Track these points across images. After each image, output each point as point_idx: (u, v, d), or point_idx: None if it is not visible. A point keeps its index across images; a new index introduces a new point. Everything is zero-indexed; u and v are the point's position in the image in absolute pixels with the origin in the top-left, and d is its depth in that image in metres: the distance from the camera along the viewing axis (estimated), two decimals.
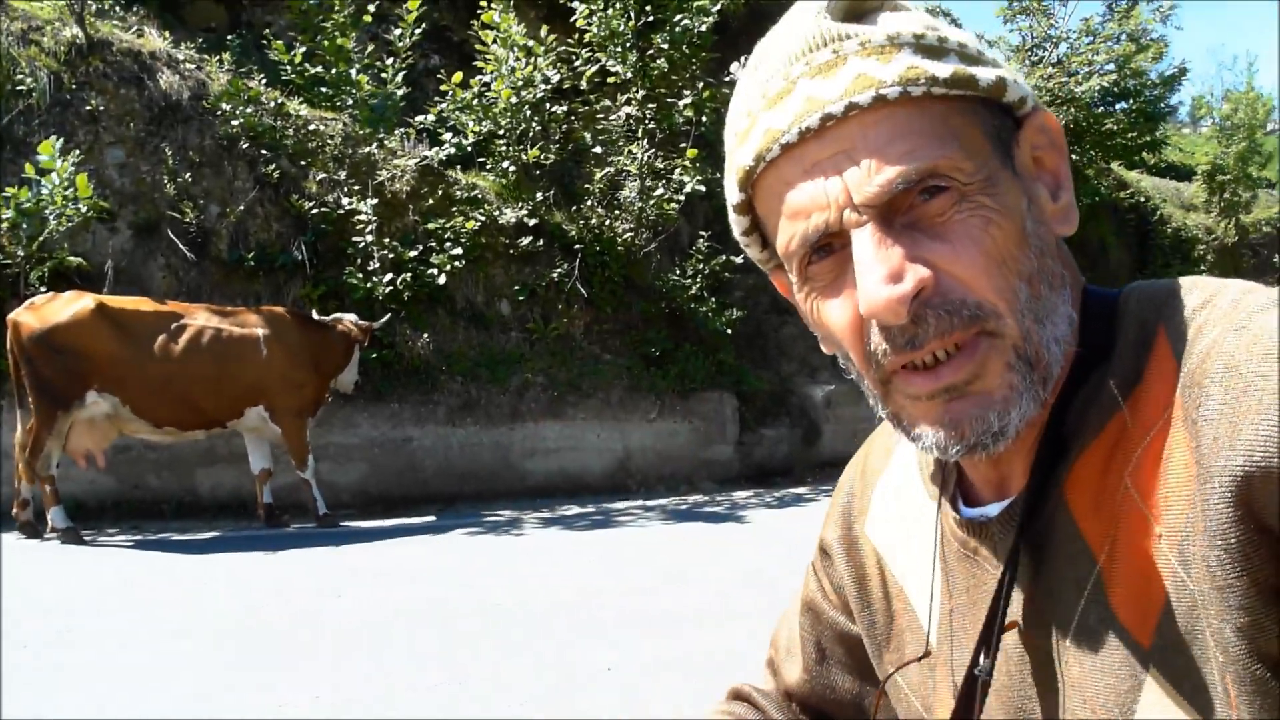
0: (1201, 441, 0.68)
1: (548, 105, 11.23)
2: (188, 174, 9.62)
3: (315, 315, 8.30)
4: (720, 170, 0.90)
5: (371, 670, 3.68)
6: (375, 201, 9.92)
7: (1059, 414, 0.80)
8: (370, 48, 11.06)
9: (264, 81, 10.35)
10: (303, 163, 10.12)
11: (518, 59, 10.85)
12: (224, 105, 9.72)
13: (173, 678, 3.61)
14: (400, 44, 10.91)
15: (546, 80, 10.99)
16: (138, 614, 4.68)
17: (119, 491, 8.36)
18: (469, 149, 11.14)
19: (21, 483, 7.15)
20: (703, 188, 11.15)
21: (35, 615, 4.61)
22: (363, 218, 9.74)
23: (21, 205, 8.04)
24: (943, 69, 0.76)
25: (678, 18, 11.10)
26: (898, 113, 0.76)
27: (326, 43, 10.52)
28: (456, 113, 11.04)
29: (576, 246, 11.02)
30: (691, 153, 11.24)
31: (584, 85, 11.65)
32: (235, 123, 9.77)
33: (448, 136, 11.05)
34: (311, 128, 10.29)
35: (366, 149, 10.38)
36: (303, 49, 10.59)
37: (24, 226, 8.19)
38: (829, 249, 0.79)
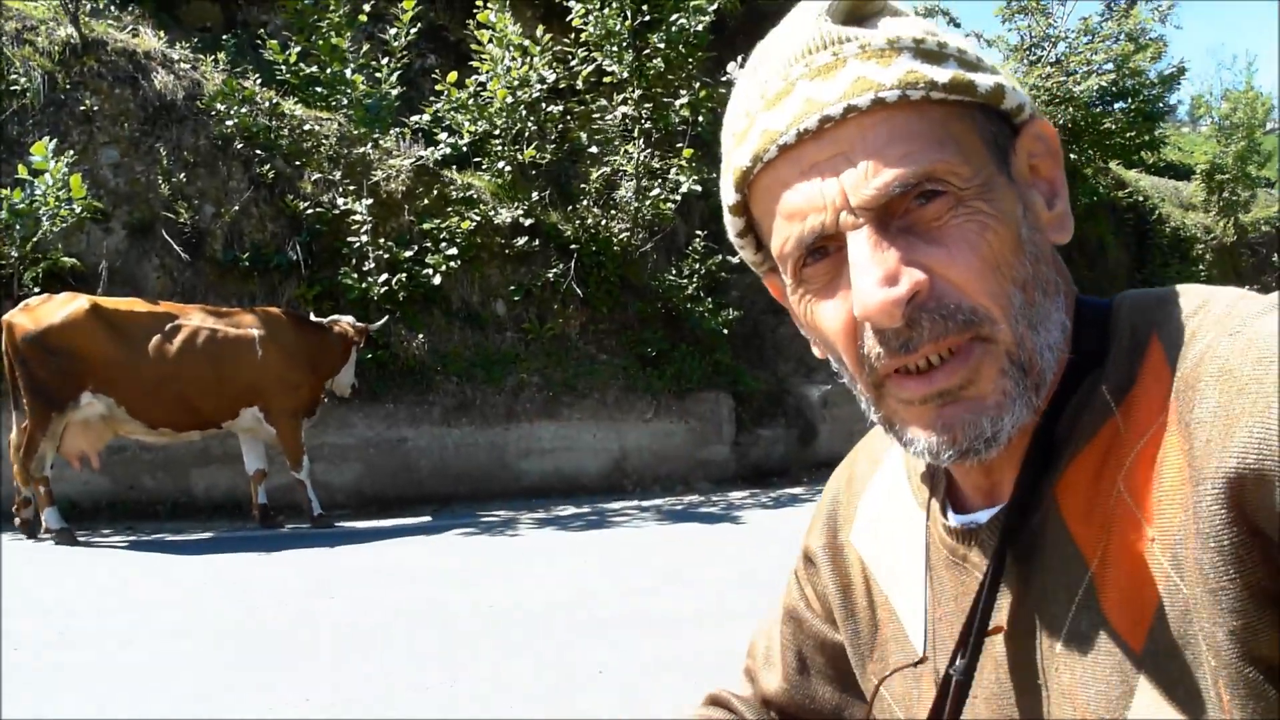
0: (1195, 444, 0.67)
1: (543, 105, 11.22)
2: (182, 174, 9.61)
3: (313, 317, 8.30)
4: (716, 170, 0.89)
5: (367, 671, 3.67)
6: (370, 202, 9.90)
7: (1051, 420, 0.80)
8: (365, 47, 11.05)
9: (259, 81, 10.33)
10: (298, 163, 10.11)
11: (513, 59, 10.84)
12: (218, 105, 9.71)
13: (169, 678, 3.60)
14: (395, 44, 10.90)
15: (542, 80, 10.98)
16: (133, 615, 4.68)
17: (114, 492, 8.34)
18: (464, 149, 11.13)
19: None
20: (699, 188, 11.14)
21: (32, 616, 4.60)
22: (358, 218, 9.73)
23: (15, 206, 8.03)
24: (942, 74, 0.76)
25: (674, 17, 11.09)
26: (896, 116, 0.75)
27: (321, 42, 10.52)
28: (452, 112, 11.04)
29: (572, 246, 11.01)
30: (688, 152, 11.22)
31: (580, 85, 11.64)
32: (230, 123, 9.76)
33: (443, 136, 11.05)
34: (306, 128, 10.27)
35: (361, 149, 10.37)
36: (297, 49, 10.58)
37: (18, 227, 8.17)
38: (824, 251, 0.79)
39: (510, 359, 10.27)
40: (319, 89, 10.71)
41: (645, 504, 9.00)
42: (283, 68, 10.55)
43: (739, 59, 0.88)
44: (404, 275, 9.84)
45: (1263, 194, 23.43)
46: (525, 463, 9.88)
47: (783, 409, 11.73)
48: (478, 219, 10.53)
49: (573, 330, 10.87)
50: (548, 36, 11.08)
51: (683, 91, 11.48)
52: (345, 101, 10.56)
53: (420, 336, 9.87)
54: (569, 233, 11.14)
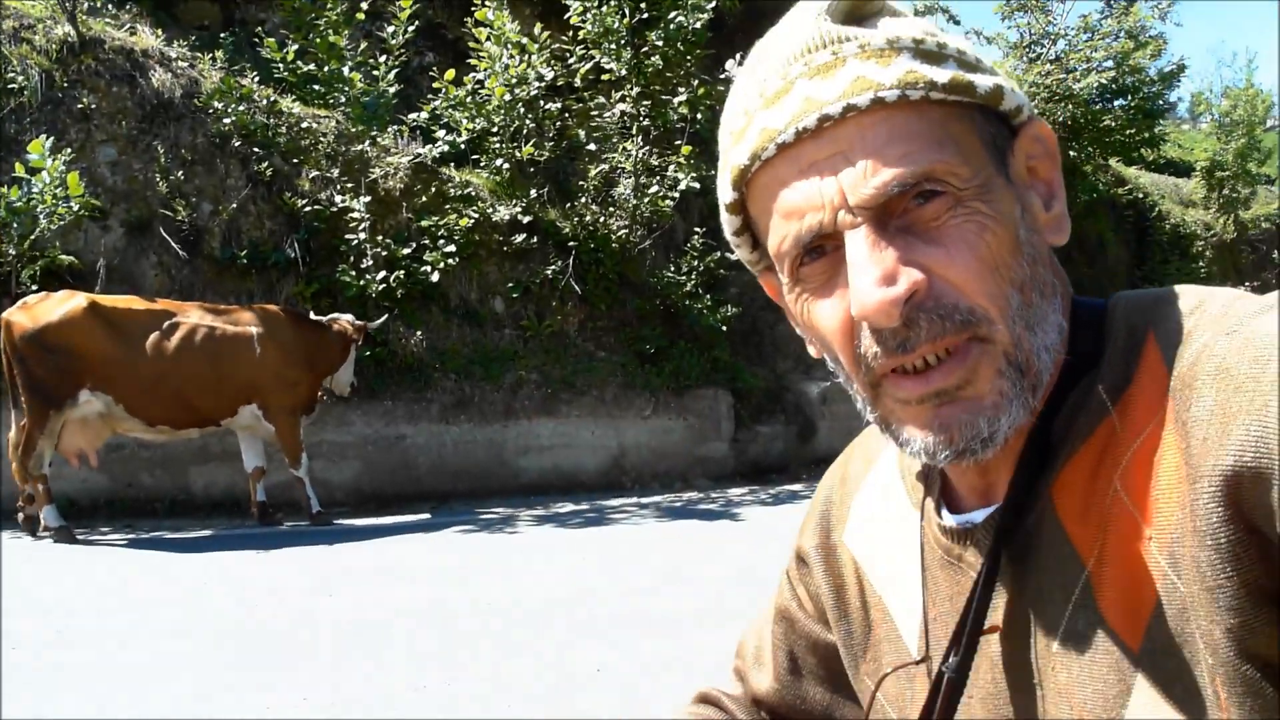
0: (1192, 443, 0.68)
1: (542, 102, 11.21)
2: (180, 172, 9.60)
3: (312, 315, 8.29)
4: (715, 167, 0.89)
5: (365, 670, 3.66)
6: (368, 199, 9.89)
7: (1047, 420, 0.80)
8: (363, 45, 11.04)
9: (256, 79, 10.32)
10: (295, 160, 10.10)
11: (511, 56, 10.82)
12: (216, 103, 9.70)
13: (168, 678, 3.60)
14: (393, 41, 10.89)
15: (540, 77, 10.97)
16: (131, 614, 4.67)
17: (112, 490, 8.34)
18: (463, 146, 11.12)
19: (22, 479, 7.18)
20: (697, 185, 11.13)
21: (31, 615, 4.60)
22: (356, 215, 9.72)
23: (12, 204, 8.02)
24: (941, 74, 0.76)
25: (672, 15, 11.07)
26: (895, 116, 0.75)
27: (319, 40, 10.51)
28: (450, 110, 11.03)
29: (571, 244, 11.00)
30: (686, 150, 11.21)
31: (578, 82, 11.63)
32: (227, 121, 9.75)
33: (441, 134, 11.04)
34: (304, 125, 10.26)
35: (359, 147, 10.36)
36: (295, 46, 10.56)
37: (15, 225, 8.16)
38: (821, 251, 0.79)
39: (509, 356, 10.27)
40: (317, 87, 10.70)
41: (644, 501, 9.00)
42: (280, 66, 10.54)
43: (738, 56, 0.88)
44: (402, 273, 9.83)
45: (1263, 191, 23.44)
46: (524, 460, 9.88)
47: (781, 406, 11.72)
48: (476, 216, 10.53)
49: (571, 327, 10.86)
50: (546, 34, 11.06)
51: (681, 89, 11.47)
52: (343, 99, 10.55)
53: (418, 334, 9.86)
54: (567, 230, 11.13)
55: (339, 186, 10.01)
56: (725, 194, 0.85)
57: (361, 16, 10.92)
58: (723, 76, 0.92)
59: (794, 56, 0.79)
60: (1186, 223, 21.33)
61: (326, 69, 10.60)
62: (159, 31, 10.57)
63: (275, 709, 3.22)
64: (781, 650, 1.12)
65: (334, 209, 9.86)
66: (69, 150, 8.67)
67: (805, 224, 0.77)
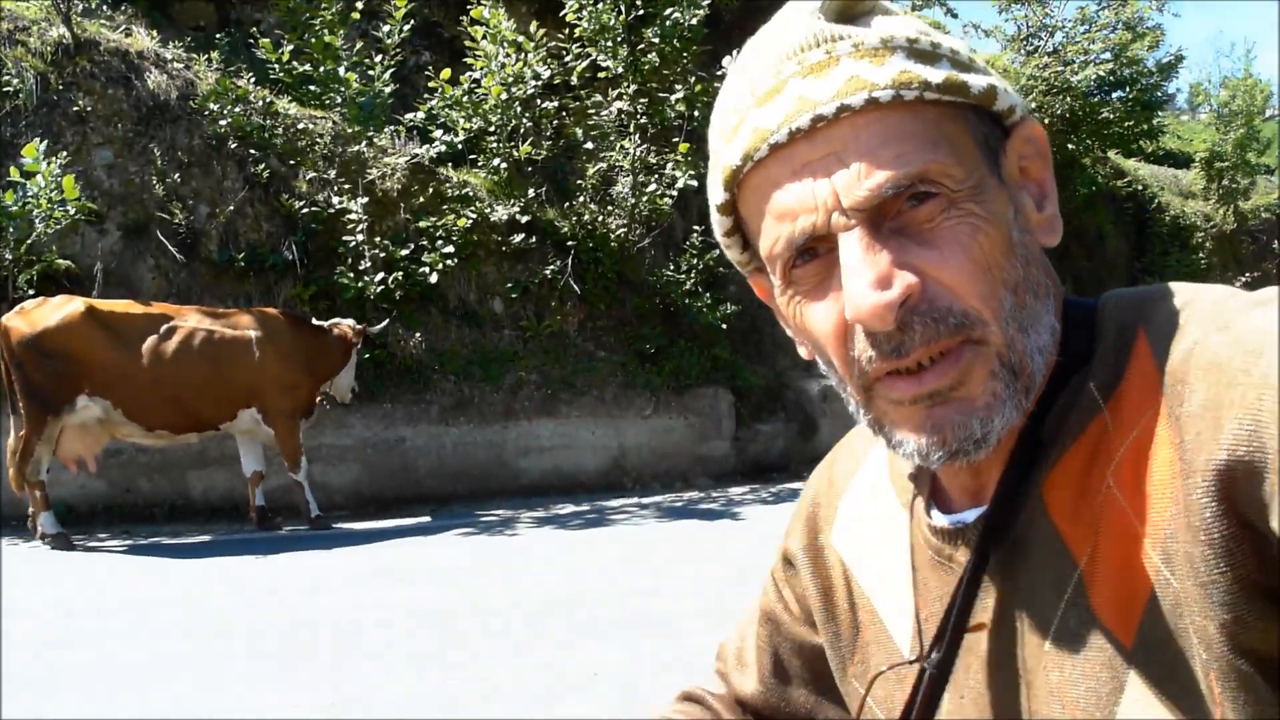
0: (1185, 438, 0.68)
1: (538, 101, 11.18)
2: (176, 174, 9.58)
3: (314, 321, 8.28)
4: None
5: (365, 674, 3.66)
6: (366, 200, 9.87)
7: (1038, 419, 0.80)
8: (359, 45, 11.01)
9: (252, 80, 10.29)
10: (292, 162, 10.07)
11: (508, 55, 10.79)
12: (212, 105, 9.67)
13: (166, 682, 3.60)
14: (389, 41, 10.85)
15: (537, 76, 10.94)
16: (130, 619, 4.67)
17: (110, 495, 8.32)
18: (460, 146, 11.09)
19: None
20: (695, 182, 11.10)
21: (27, 622, 4.58)
22: (353, 217, 9.69)
23: (8, 208, 7.99)
24: (935, 74, 0.76)
25: (668, 11, 11.04)
26: (889, 116, 0.75)
27: (314, 40, 10.47)
28: (447, 110, 11.00)
29: (569, 243, 10.98)
30: (684, 147, 11.18)
31: (575, 81, 11.60)
32: (224, 122, 9.72)
33: (438, 134, 11.01)
34: (301, 126, 10.23)
35: (356, 147, 10.33)
36: (290, 47, 10.53)
37: (11, 230, 8.14)
38: (813, 253, 0.78)
39: (508, 357, 10.25)
40: (313, 87, 10.67)
41: (645, 501, 8.99)
42: (276, 66, 10.51)
43: (734, 53, 0.86)
44: (400, 274, 9.81)
45: (1262, 181, 23.42)
46: (524, 461, 9.86)
47: (782, 404, 11.71)
48: (474, 217, 10.50)
49: (571, 327, 10.85)
50: (542, 32, 11.03)
51: (678, 86, 11.44)
52: (339, 100, 10.51)
53: (417, 335, 9.84)
54: (566, 229, 11.10)
55: (336, 188, 9.99)
56: (716, 195, 0.84)
57: (357, 16, 10.88)
58: (720, 73, 0.90)
59: (787, 55, 0.78)
60: (1186, 214, 21.30)
61: (322, 69, 10.57)
62: (154, 33, 10.54)
63: (274, 711, 3.23)
64: (766, 652, 1.11)
65: (331, 210, 9.83)
66: (65, 153, 8.64)
67: (798, 226, 0.77)
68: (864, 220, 0.74)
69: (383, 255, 9.83)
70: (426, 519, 8.30)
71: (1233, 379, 0.65)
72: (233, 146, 9.84)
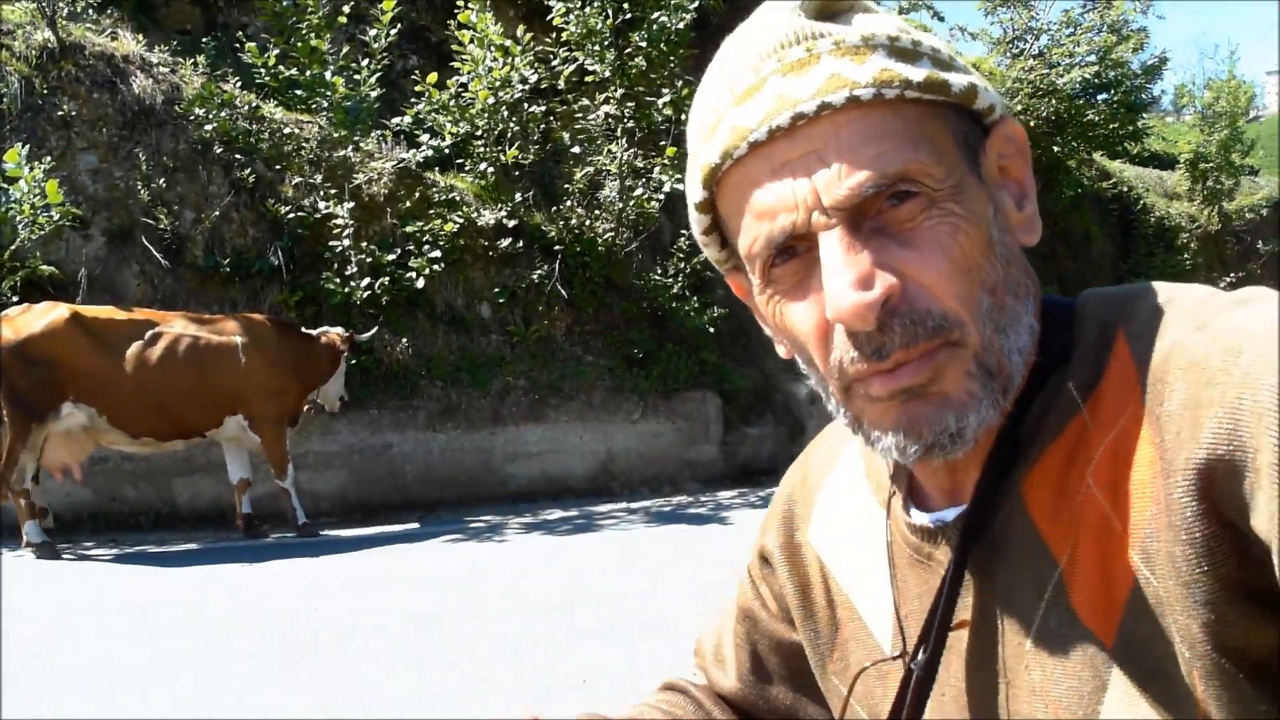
0: (1165, 437, 0.68)
1: (525, 105, 11.16)
2: (162, 179, 9.53)
3: (303, 329, 8.26)
4: None
5: (352, 682, 3.65)
6: (352, 205, 9.83)
7: (1017, 420, 0.80)
8: (346, 49, 10.97)
9: (239, 85, 10.24)
10: (278, 167, 10.04)
11: (495, 59, 10.77)
12: (197, 109, 9.62)
13: (154, 692, 3.58)
14: (376, 45, 10.82)
15: (524, 80, 10.92)
16: (116, 631, 4.64)
17: (96, 504, 8.28)
18: (446, 150, 11.06)
19: (33, 491, 7.16)
20: (682, 186, 11.06)
21: (16, 631, 4.56)
22: (340, 222, 9.66)
23: None
24: (916, 73, 0.75)
25: (655, 15, 11.04)
26: (870, 115, 0.74)
27: (300, 45, 10.43)
28: (433, 114, 10.97)
29: (557, 247, 10.97)
30: (671, 151, 11.18)
31: (562, 85, 11.58)
32: (209, 127, 9.67)
33: (425, 138, 10.98)
34: (287, 131, 10.19)
35: (342, 152, 10.29)
36: (276, 51, 10.49)
37: None
38: (793, 251, 0.78)
39: (495, 362, 10.23)
40: (299, 92, 10.63)
41: (633, 506, 8.99)
42: (262, 70, 10.47)
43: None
44: (387, 279, 9.79)
45: (1246, 182, 23.57)
46: (512, 466, 9.85)
47: (770, 406, 11.73)
48: (461, 221, 10.48)
49: (558, 332, 10.83)
50: (529, 36, 11.01)
51: (665, 90, 11.43)
52: (325, 104, 10.48)
53: (404, 341, 9.82)
54: (553, 234, 11.09)
55: (322, 193, 9.96)
56: (695, 193, 0.84)
57: (343, 20, 10.84)
58: None
59: (767, 52, 0.78)
60: (1171, 215, 21.43)
61: (308, 73, 10.53)
62: (140, 36, 10.48)
63: (272, 712, 3.24)
64: (744, 650, 1.12)
65: (318, 215, 9.80)
66: (49, 158, 8.59)
67: (778, 225, 0.76)
68: (844, 219, 0.74)
69: (369, 260, 9.80)
70: (414, 525, 8.28)
71: (1212, 378, 0.65)
72: (218, 151, 9.80)
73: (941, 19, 17.50)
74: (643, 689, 3.51)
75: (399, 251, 10.08)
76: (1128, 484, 0.71)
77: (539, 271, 10.78)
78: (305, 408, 8.20)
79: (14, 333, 6.95)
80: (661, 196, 11.26)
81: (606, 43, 11.11)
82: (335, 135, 10.32)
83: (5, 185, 7.81)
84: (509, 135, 11.16)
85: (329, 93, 10.43)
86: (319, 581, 5.82)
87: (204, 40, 11.25)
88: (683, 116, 11.24)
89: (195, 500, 8.61)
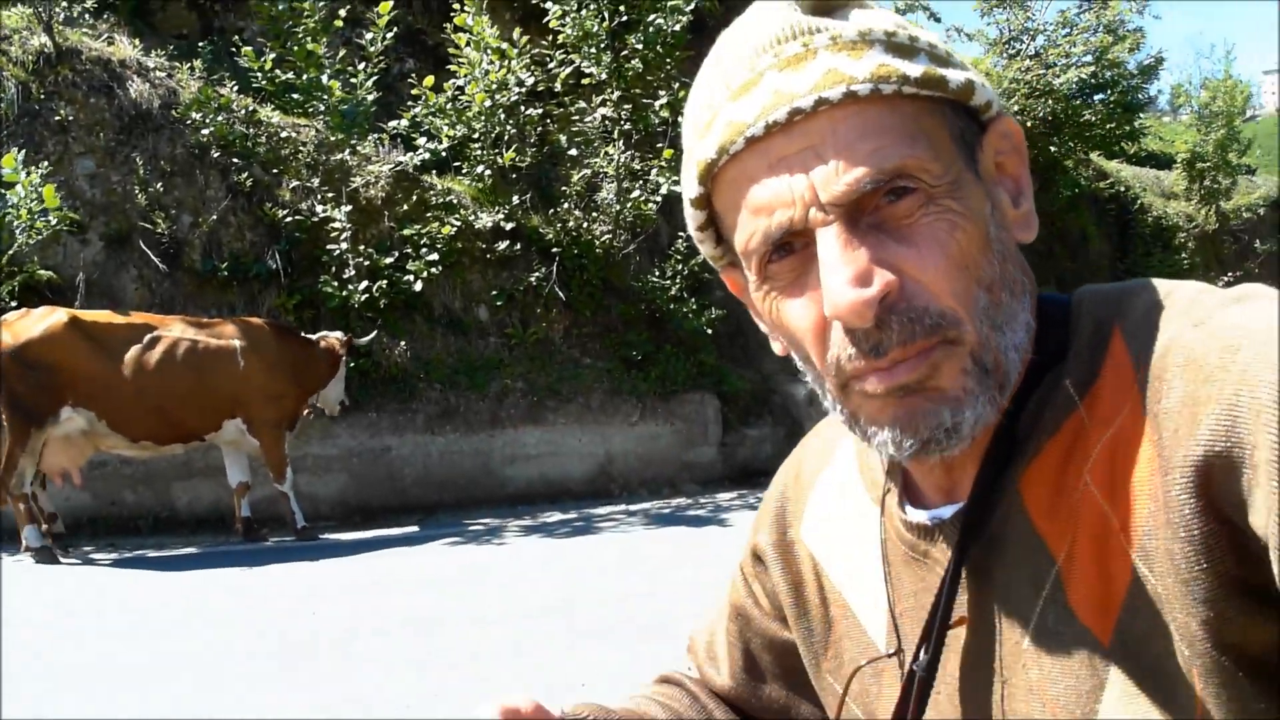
0: (1163, 434, 0.68)
1: (522, 108, 11.16)
2: (159, 184, 9.53)
3: (303, 334, 8.27)
4: None
5: (352, 685, 3.66)
6: (349, 208, 9.83)
7: (1013, 417, 0.79)
8: (342, 53, 10.97)
9: (235, 89, 10.25)
10: (275, 170, 10.04)
11: (491, 62, 10.78)
12: (194, 114, 9.63)
13: (154, 695, 3.59)
14: (372, 49, 10.83)
15: (521, 83, 10.92)
16: (114, 635, 4.64)
17: (95, 508, 8.27)
18: (444, 153, 11.06)
19: (39, 498, 7.20)
20: (680, 188, 11.08)
21: (13, 635, 4.56)
22: (337, 225, 9.66)
23: None
24: (914, 69, 0.75)
25: (651, 18, 11.04)
26: (868, 110, 0.74)
27: (297, 49, 10.43)
28: (430, 117, 10.97)
29: (554, 250, 10.97)
30: (668, 153, 11.18)
31: (559, 87, 11.59)
32: (206, 131, 9.68)
33: (422, 141, 10.99)
34: (284, 135, 10.19)
35: (339, 155, 10.30)
36: (273, 55, 10.49)
37: None
38: (789, 248, 0.77)
39: (494, 365, 10.23)
40: (295, 96, 10.63)
41: (632, 508, 8.99)
42: (259, 75, 10.47)
43: None
44: (385, 282, 9.79)
45: (1243, 181, 23.58)
46: (511, 469, 9.85)
47: (769, 408, 11.73)
48: (458, 224, 10.48)
49: (556, 334, 10.83)
50: (525, 39, 11.01)
51: (662, 92, 11.44)
52: (322, 108, 10.48)
53: (402, 344, 9.82)
54: (550, 236, 11.10)
55: (320, 196, 9.96)
56: (690, 189, 0.84)
57: (340, 24, 10.85)
58: None
59: (762, 47, 0.77)
60: (1168, 215, 21.44)
61: (305, 77, 10.53)
62: (137, 41, 10.48)
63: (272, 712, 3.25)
64: (737, 648, 1.11)
65: (315, 219, 9.80)
66: (46, 163, 8.59)
67: (775, 221, 0.76)
68: (842, 215, 0.74)
69: (367, 264, 9.81)
70: (414, 528, 8.28)
71: (1210, 375, 0.66)
72: (215, 155, 9.80)
73: (938, 20, 17.50)
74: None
75: (397, 254, 10.08)
76: (1126, 481, 0.71)
77: (537, 274, 10.78)
78: (305, 412, 8.20)
79: (13, 338, 6.96)
80: (659, 198, 11.27)
81: (603, 45, 11.12)
82: (332, 139, 10.32)
83: (2, 190, 7.81)
84: (506, 138, 11.16)
85: (326, 96, 10.44)
86: (318, 584, 5.82)
87: (200, 45, 11.26)
88: (679, 119, 11.22)
89: (194, 504, 8.60)
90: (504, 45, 10.80)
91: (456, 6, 10.91)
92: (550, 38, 11.41)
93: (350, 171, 10.31)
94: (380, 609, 5.03)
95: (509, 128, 11.11)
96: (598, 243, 11.28)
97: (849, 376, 0.78)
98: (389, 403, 9.49)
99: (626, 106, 11.42)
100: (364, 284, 9.63)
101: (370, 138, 10.82)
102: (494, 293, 10.65)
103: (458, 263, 10.45)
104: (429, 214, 10.46)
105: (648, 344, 11.02)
